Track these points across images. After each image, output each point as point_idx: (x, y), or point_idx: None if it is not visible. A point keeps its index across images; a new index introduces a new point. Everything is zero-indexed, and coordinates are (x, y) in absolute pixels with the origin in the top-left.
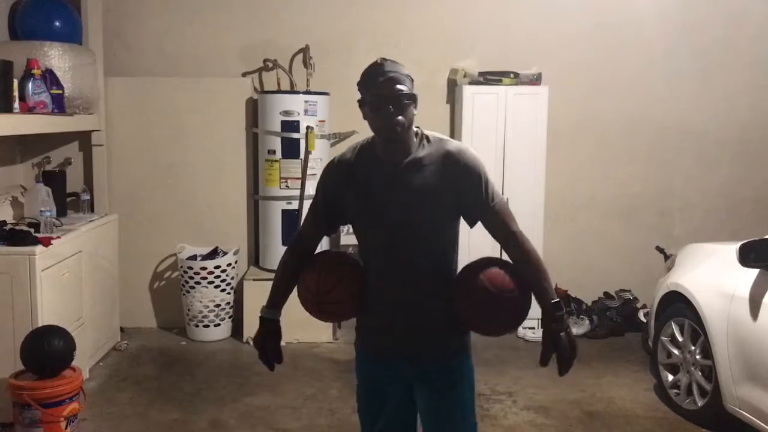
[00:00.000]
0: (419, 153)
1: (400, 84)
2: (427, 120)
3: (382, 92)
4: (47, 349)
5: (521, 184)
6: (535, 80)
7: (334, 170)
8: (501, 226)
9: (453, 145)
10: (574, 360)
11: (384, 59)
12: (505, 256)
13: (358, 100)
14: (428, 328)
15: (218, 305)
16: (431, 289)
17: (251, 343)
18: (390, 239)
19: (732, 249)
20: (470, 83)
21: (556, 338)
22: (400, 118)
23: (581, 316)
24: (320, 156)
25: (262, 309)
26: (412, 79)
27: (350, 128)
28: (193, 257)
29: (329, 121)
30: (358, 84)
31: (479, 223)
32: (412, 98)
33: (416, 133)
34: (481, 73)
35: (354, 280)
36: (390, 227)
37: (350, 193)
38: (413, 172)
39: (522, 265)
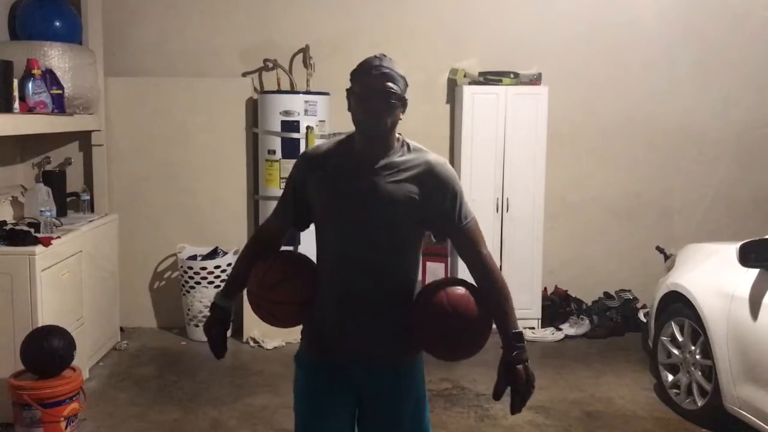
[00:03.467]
0: (397, 157)
1: (393, 82)
2: (427, 120)
3: (373, 85)
4: (47, 349)
5: (521, 184)
6: (535, 80)
7: (305, 161)
8: (470, 246)
9: (433, 157)
10: (529, 397)
11: (384, 55)
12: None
13: (347, 89)
14: (381, 331)
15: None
16: (387, 293)
17: (251, 342)
18: (350, 237)
19: (732, 249)
20: (470, 83)
21: (515, 371)
22: (384, 115)
23: (581, 316)
24: None
25: (216, 295)
26: (406, 83)
27: (350, 128)
28: (193, 257)
29: (329, 121)
30: (352, 74)
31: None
32: (401, 100)
33: (398, 139)
34: (481, 73)
35: (304, 283)
36: (352, 227)
37: (318, 183)
38: (387, 175)
39: (487, 289)
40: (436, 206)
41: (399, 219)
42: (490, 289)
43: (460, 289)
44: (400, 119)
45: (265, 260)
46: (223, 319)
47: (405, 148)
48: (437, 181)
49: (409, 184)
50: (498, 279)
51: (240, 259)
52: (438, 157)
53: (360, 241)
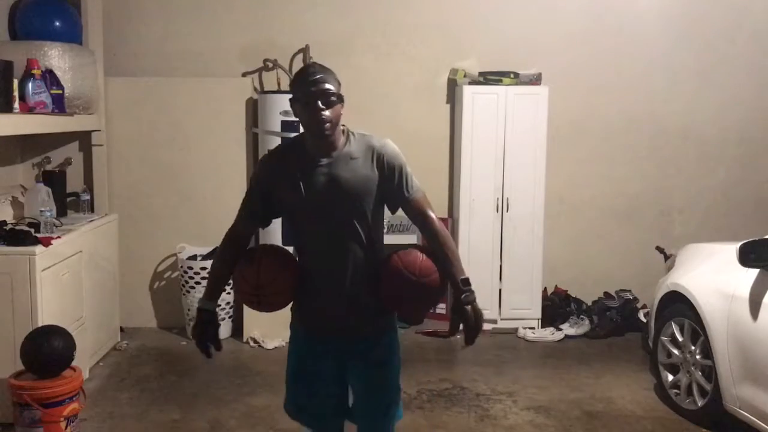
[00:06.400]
0: (346, 148)
1: (328, 83)
2: (427, 120)
3: (311, 90)
4: (47, 349)
5: (521, 184)
6: (535, 80)
7: (267, 163)
8: (419, 213)
9: (376, 140)
10: (479, 331)
11: (314, 63)
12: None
13: (290, 99)
14: (359, 309)
15: (218, 305)
16: (361, 273)
17: (251, 342)
18: (322, 228)
19: (732, 249)
20: (470, 83)
21: (464, 310)
22: (327, 113)
23: (581, 316)
24: None
25: (200, 300)
26: (339, 83)
27: (347, 125)
28: (193, 257)
29: None
30: (291, 84)
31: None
32: (339, 98)
33: (343, 131)
34: (481, 73)
35: (291, 272)
36: (321, 217)
37: (282, 185)
38: (341, 166)
39: (435, 246)
40: (389, 183)
41: (362, 202)
42: (440, 246)
43: (412, 251)
44: (341, 114)
45: (250, 261)
46: (212, 320)
47: (351, 137)
48: (385, 161)
49: (363, 170)
50: (445, 237)
51: (219, 263)
52: (381, 139)
53: (332, 228)
